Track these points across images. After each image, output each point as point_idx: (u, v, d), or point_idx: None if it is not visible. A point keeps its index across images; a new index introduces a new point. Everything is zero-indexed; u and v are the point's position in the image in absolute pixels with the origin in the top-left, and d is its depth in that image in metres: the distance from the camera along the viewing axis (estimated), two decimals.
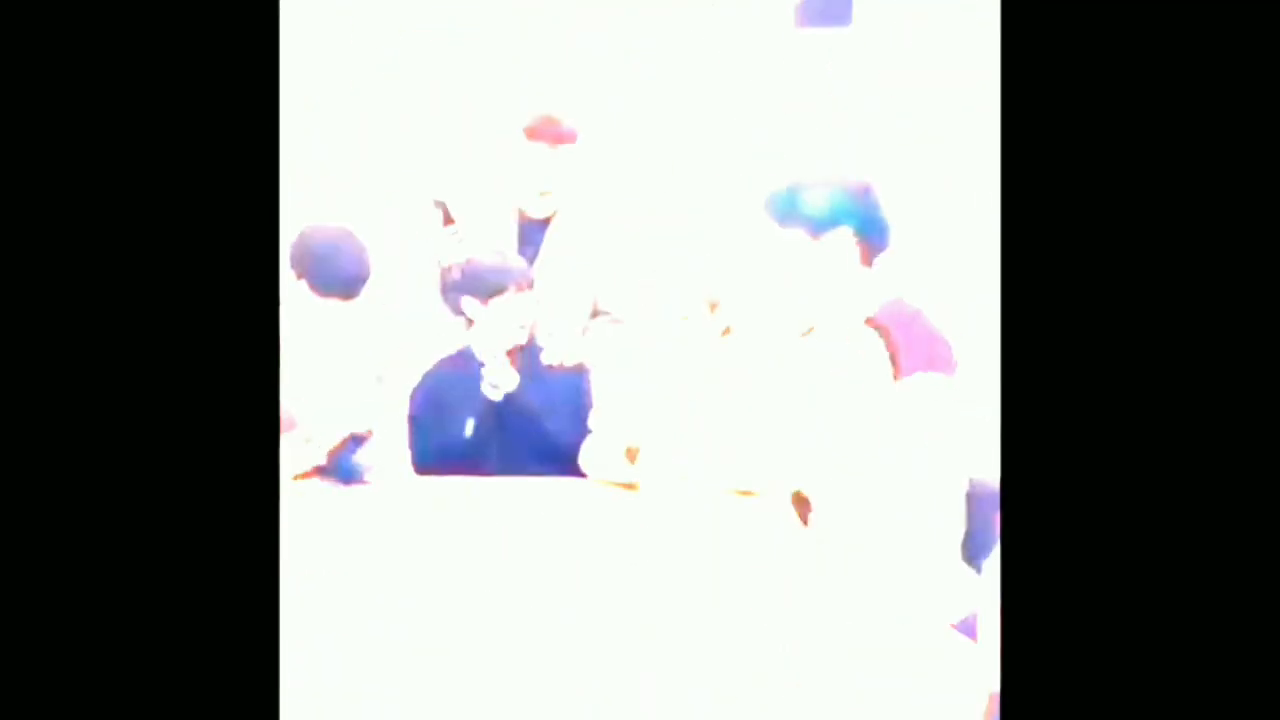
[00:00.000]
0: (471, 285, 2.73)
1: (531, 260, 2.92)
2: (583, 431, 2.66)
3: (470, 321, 2.78)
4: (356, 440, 2.41)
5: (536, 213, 3.06)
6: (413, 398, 2.77)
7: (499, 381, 2.69)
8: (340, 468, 2.41)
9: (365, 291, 2.46)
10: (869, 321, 1.90)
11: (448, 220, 2.93)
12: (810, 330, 2.05)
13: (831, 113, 3.34)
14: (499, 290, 2.69)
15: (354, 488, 2.40)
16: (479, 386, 2.69)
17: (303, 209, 2.80)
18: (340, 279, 2.37)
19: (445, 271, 2.98)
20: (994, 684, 0.98)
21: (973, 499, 1.78)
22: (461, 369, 2.75)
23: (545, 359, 2.78)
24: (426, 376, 2.85)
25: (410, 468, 2.64)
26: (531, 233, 3.04)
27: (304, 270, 2.37)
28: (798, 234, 1.96)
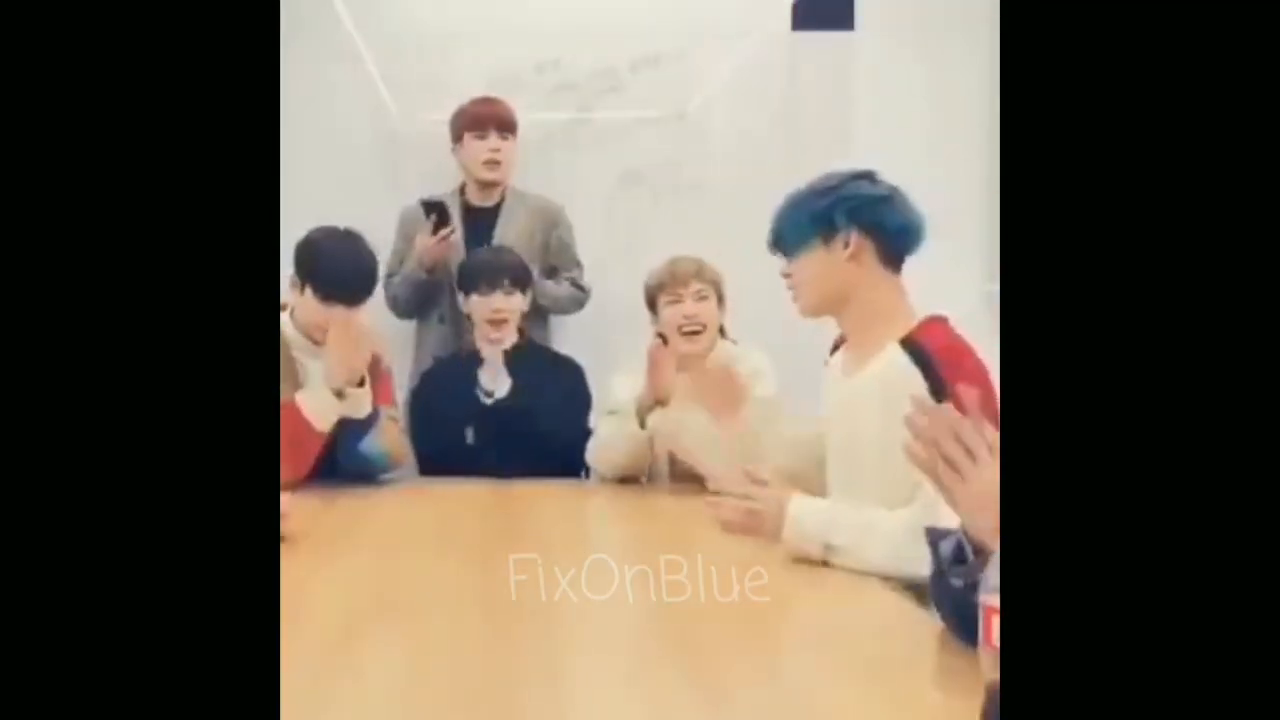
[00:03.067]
0: (468, 282, 2.73)
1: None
2: (582, 428, 2.66)
3: (470, 321, 2.78)
4: (357, 426, 2.39)
5: (481, 199, 3.10)
6: (410, 398, 2.77)
7: (493, 388, 2.68)
8: (348, 455, 2.39)
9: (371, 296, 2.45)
10: (906, 340, 1.74)
11: (442, 223, 2.95)
12: (842, 343, 1.94)
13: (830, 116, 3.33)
14: (498, 283, 2.70)
15: (357, 488, 2.41)
16: (474, 390, 2.69)
17: (304, 211, 2.78)
18: (347, 283, 2.36)
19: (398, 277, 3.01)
20: (994, 684, 0.99)
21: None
22: (458, 370, 2.75)
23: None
24: (424, 377, 2.85)
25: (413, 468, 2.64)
26: (480, 220, 3.08)
27: (310, 275, 2.35)
28: (811, 248, 1.83)
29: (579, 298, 3.12)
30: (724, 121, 3.39)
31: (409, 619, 1.48)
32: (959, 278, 3.24)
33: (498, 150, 3.04)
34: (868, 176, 1.85)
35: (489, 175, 3.06)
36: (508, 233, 3.05)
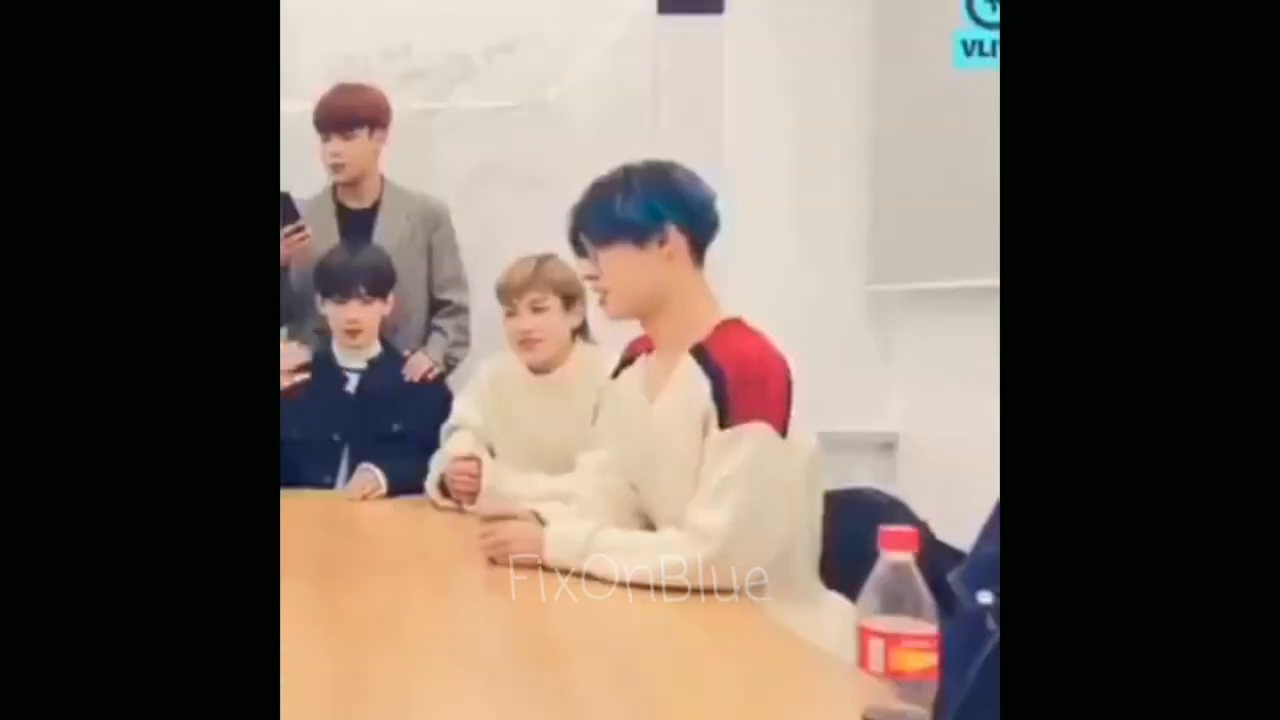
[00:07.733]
0: (322, 287, 2.55)
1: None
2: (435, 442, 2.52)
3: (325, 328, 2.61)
4: None
5: (353, 200, 2.95)
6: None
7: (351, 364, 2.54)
8: None
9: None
10: (699, 348, 1.65)
11: (289, 217, 2.74)
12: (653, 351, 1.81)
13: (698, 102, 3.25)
14: (352, 290, 2.55)
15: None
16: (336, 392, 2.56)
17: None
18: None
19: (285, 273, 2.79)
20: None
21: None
22: (321, 383, 2.57)
23: (408, 373, 2.62)
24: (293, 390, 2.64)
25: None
26: (357, 223, 2.92)
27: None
28: (624, 247, 1.70)
29: (464, 329, 2.95)
30: (586, 110, 3.27)
31: (409, 619, 1.49)
32: (829, 271, 3.22)
33: (338, 154, 2.86)
34: (667, 168, 1.74)
35: (335, 178, 2.91)
36: (387, 237, 2.88)
